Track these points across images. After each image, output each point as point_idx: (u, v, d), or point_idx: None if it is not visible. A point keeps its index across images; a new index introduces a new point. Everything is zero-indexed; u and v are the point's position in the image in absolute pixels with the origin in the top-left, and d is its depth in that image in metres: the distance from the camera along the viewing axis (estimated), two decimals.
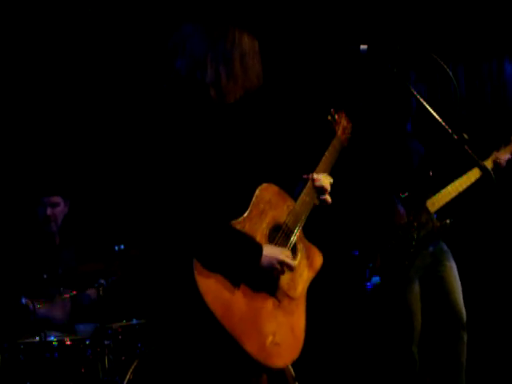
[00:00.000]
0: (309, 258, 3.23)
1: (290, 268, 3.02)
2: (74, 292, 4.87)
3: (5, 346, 4.54)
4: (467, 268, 5.30)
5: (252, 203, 3.02)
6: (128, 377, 4.58)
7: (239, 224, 2.96)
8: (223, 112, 3.07)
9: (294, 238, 3.16)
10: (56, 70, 6.09)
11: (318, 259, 3.25)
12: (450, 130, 3.21)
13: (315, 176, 3.30)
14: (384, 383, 5.53)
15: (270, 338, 2.91)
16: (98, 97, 6.21)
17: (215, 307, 2.77)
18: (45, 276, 4.93)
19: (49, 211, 5.21)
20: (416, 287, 4.94)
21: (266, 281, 2.98)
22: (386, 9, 6.29)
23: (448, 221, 4.93)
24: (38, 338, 4.59)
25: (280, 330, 2.97)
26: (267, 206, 3.07)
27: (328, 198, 3.31)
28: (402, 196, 4.91)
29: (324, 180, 3.30)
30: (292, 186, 3.31)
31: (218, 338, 2.79)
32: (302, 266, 3.17)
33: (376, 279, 6.16)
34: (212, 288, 2.80)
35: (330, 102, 3.57)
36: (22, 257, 5.16)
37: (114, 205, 6.08)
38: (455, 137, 3.25)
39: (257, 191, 3.05)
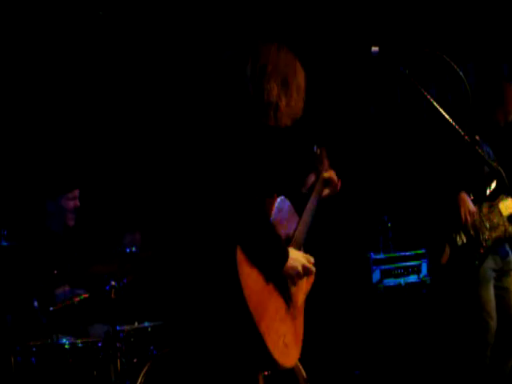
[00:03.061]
0: None
1: (311, 273, 3.19)
2: (85, 296, 4.87)
3: (17, 349, 4.54)
4: None
5: (274, 212, 3.19)
6: (140, 380, 4.58)
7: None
8: (273, 133, 3.24)
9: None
10: (77, 71, 6.12)
11: (312, 275, 3.38)
12: (462, 132, 3.21)
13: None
14: None
15: (282, 339, 3.08)
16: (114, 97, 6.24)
17: (250, 300, 2.91)
18: (55, 272, 4.95)
19: (78, 203, 5.28)
20: (491, 288, 4.79)
21: (286, 283, 3.16)
22: (399, 10, 6.29)
23: None
24: (50, 341, 4.60)
25: (288, 333, 3.15)
26: (283, 218, 3.24)
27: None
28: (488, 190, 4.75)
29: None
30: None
31: (245, 330, 2.93)
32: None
33: (389, 281, 6.16)
34: (250, 281, 2.95)
35: (340, 107, 3.60)
36: (33, 257, 5.16)
37: (126, 205, 6.11)
38: (467, 139, 3.24)
39: (278, 200, 3.23)
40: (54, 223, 5.30)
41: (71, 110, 6.15)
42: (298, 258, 3.12)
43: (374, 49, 3.09)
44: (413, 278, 6.24)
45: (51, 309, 4.66)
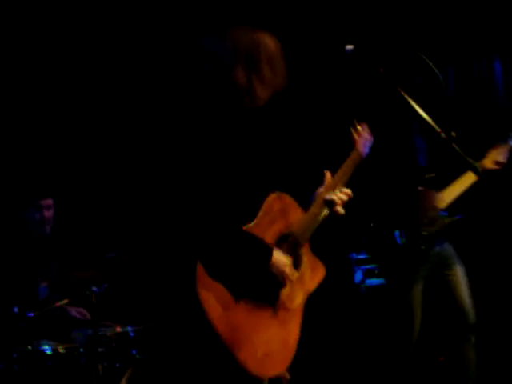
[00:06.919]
0: (313, 270, 3.25)
1: (287, 280, 3.04)
2: (67, 300, 4.85)
3: None
4: (474, 268, 5.20)
5: (262, 211, 3.04)
6: None
7: (248, 230, 2.98)
8: (253, 116, 3.11)
9: (299, 250, 3.17)
10: (47, 75, 6.07)
11: (321, 272, 3.29)
12: (438, 129, 3.21)
13: (323, 190, 3.28)
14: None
15: (261, 349, 2.94)
16: (89, 101, 6.19)
17: (212, 315, 2.81)
18: (39, 280, 4.93)
19: (46, 214, 5.19)
20: (420, 286, 4.86)
21: (267, 288, 3.01)
22: (374, 8, 6.29)
23: (457, 218, 4.85)
24: (31, 347, 4.56)
25: (272, 341, 3.00)
26: (277, 215, 3.09)
27: (339, 209, 3.24)
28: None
29: (333, 194, 3.24)
30: (307, 195, 3.32)
31: (214, 345, 2.83)
32: (304, 278, 3.19)
33: (371, 281, 6.17)
34: (212, 295, 2.83)
35: (317, 105, 3.58)
36: (13, 262, 5.13)
37: (105, 211, 6.08)
38: (444, 136, 3.25)
39: (268, 199, 3.06)
40: (35, 229, 5.26)
41: (46, 120, 6.10)
42: (281, 259, 2.99)
43: (349, 47, 3.08)
44: None
45: (31, 314, 4.64)
